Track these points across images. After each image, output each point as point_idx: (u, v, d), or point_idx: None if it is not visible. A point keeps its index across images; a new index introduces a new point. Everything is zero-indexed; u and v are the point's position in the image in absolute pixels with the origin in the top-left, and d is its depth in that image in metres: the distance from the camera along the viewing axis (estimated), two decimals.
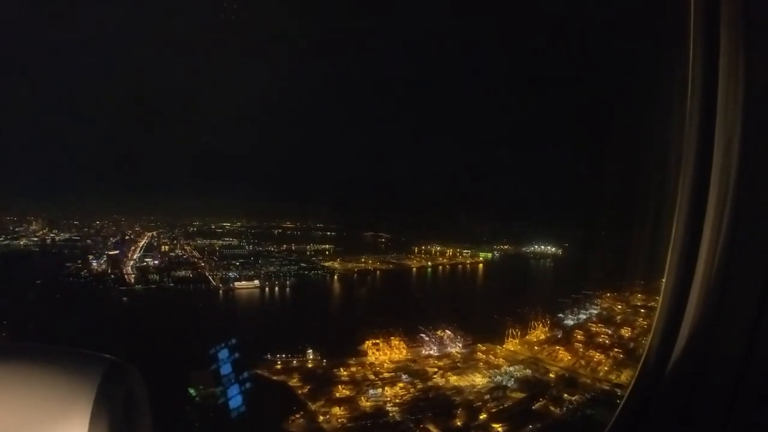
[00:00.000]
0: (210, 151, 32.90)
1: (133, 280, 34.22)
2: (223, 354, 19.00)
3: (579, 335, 25.20)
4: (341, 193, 36.40)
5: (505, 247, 39.30)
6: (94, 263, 34.49)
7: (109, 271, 34.44)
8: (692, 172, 1.83)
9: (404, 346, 25.52)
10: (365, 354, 25.09)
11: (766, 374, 1.67)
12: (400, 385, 22.25)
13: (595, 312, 26.68)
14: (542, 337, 25.85)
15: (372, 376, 22.94)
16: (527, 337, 26.00)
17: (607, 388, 21.31)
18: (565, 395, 21.46)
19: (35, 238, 35.77)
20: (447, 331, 26.05)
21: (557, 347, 24.38)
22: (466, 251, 39.70)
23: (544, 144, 34.72)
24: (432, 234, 40.23)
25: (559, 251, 34.74)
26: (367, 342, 25.35)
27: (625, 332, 24.13)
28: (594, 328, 25.37)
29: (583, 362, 23.18)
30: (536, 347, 24.98)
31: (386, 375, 23.16)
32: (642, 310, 24.33)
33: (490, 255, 39.55)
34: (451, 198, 37.87)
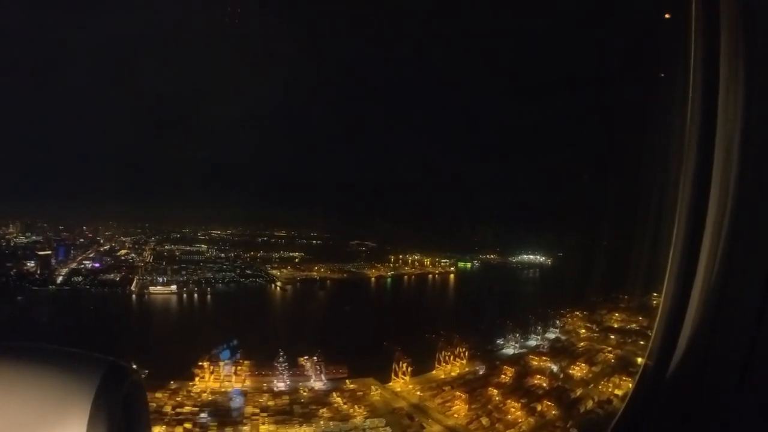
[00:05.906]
0: (210, 161, 32.32)
1: (50, 281, 32.07)
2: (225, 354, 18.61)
3: (507, 373, 15.09)
4: (336, 202, 35.71)
5: (492, 256, 33.56)
6: (29, 264, 33.04)
7: (38, 271, 32.75)
8: (693, 173, 1.81)
9: (248, 372, 17.56)
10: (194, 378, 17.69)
11: (767, 377, 1.62)
12: (187, 426, 14.25)
13: (551, 337, 16.46)
14: (454, 373, 16.08)
15: (168, 409, 15.25)
16: (432, 372, 16.49)
17: None
18: None
19: None
20: (314, 358, 17.65)
21: (461, 392, 14.47)
22: (444, 260, 34.38)
23: (541, 151, 32.22)
24: (417, 243, 35.83)
25: (549, 261, 29.78)
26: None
27: (577, 371, 13.80)
28: (535, 363, 15.22)
29: (485, 420, 13.09)
30: (434, 389, 15.29)
31: (186, 409, 15.70)
32: (613, 336, 14.05)
33: (468, 265, 33.99)
34: (446, 207, 35.42)
